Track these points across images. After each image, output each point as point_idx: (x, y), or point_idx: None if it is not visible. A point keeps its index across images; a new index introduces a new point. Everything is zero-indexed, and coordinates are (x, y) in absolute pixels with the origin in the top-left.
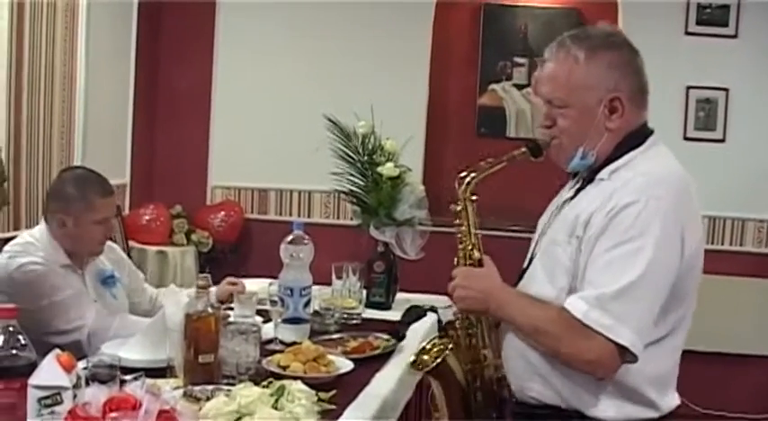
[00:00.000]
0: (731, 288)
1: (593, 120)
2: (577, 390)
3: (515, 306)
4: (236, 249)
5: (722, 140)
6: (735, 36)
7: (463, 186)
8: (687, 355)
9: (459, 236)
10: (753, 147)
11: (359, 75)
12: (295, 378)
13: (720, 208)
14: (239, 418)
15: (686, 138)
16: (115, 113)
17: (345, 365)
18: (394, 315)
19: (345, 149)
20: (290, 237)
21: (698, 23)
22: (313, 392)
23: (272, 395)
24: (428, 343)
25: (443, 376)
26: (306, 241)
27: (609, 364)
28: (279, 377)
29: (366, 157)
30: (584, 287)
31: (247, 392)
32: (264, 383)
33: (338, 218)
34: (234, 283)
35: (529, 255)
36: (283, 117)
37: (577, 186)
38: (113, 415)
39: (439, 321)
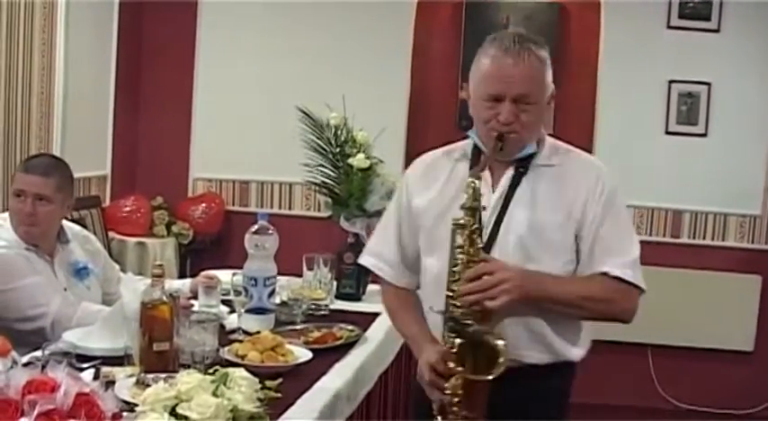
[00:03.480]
0: (713, 283)
1: (544, 114)
2: (568, 344)
3: (552, 283)
4: (217, 241)
5: (704, 135)
6: (717, 30)
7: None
8: (669, 351)
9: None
10: (734, 141)
11: (340, 68)
12: (252, 367)
13: (702, 203)
14: (177, 404)
15: (668, 133)
16: (96, 105)
17: (304, 355)
18: (364, 306)
19: (318, 141)
20: (254, 228)
21: (680, 17)
22: (256, 380)
23: (213, 382)
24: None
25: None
26: (270, 231)
27: (637, 308)
28: (236, 366)
29: (338, 149)
30: (604, 257)
31: (188, 379)
32: (211, 371)
33: (318, 210)
34: (210, 277)
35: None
36: (265, 109)
37: (511, 174)
38: (31, 397)
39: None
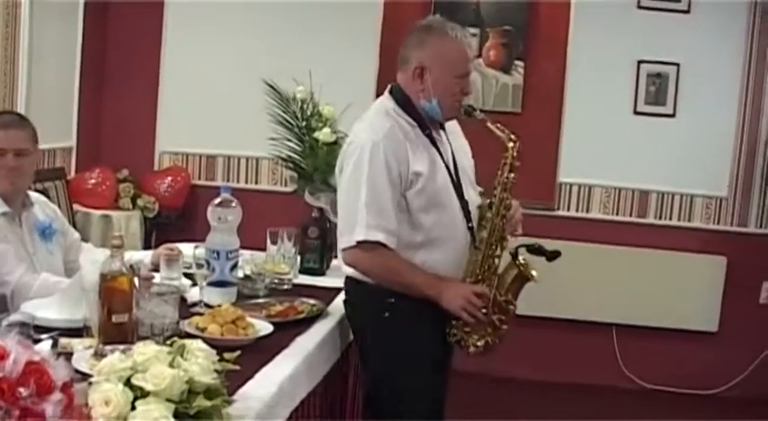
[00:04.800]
0: (678, 263)
1: None
2: None
3: None
4: (183, 215)
5: (672, 115)
6: (687, 11)
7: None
8: (633, 330)
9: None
10: (703, 122)
11: (308, 42)
12: (212, 340)
13: (669, 183)
14: (132, 375)
15: (636, 113)
16: (62, 76)
17: (265, 328)
18: (327, 281)
19: (284, 115)
20: (217, 200)
21: None
22: (213, 352)
23: (169, 353)
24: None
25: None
26: (233, 204)
27: None
28: (196, 339)
29: (303, 123)
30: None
31: (144, 350)
32: (168, 342)
33: (285, 185)
34: (171, 249)
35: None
36: (232, 83)
37: (443, 133)
38: None
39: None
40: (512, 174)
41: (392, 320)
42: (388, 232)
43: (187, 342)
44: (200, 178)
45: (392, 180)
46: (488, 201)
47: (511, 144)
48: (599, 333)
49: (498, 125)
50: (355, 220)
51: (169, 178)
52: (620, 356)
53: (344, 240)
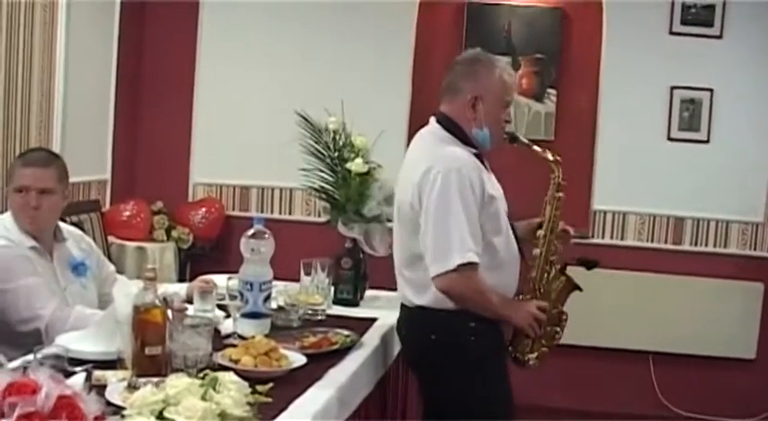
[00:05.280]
0: (715, 290)
1: None
2: None
3: None
4: (217, 246)
5: (706, 141)
6: (720, 36)
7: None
8: (670, 358)
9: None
10: (737, 148)
11: (341, 72)
12: (245, 371)
13: (704, 209)
14: (164, 408)
15: (670, 139)
16: (96, 109)
17: (298, 360)
18: (361, 312)
19: (316, 145)
20: (250, 232)
21: (683, 23)
22: (246, 384)
23: (201, 386)
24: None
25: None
26: (266, 235)
27: None
28: (229, 370)
29: (336, 153)
30: None
31: (176, 383)
32: (201, 375)
33: (318, 215)
34: (207, 282)
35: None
36: (266, 114)
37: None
38: (11, 399)
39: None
40: (559, 193)
41: (478, 343)
42: (478, 255)
43: (219, 374)
44: (234, 209)
45: (477, 203)
46: (538, 220)
47: (550, 156)
48: (635, 361)
49: (543, 149)
50: (450, 245)
51: (203, 209)
52: (658, 384)
53: (438, 266)
